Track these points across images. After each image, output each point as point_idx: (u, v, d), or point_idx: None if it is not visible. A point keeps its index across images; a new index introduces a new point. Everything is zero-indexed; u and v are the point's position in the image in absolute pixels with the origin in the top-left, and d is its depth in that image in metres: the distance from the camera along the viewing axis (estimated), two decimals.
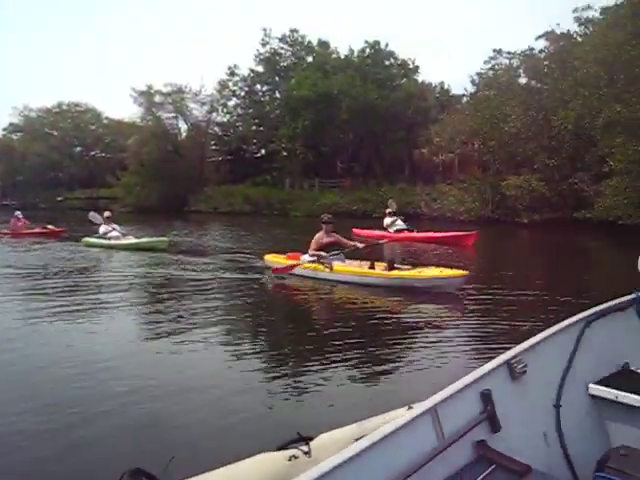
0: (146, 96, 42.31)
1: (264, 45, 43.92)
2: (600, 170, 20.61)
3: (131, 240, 15.02)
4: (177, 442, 3.32)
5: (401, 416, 1.73)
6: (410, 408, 2.50)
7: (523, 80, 27.69)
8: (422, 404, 1.76)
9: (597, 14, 24.50)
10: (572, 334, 2.45)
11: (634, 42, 17.64)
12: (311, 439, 2.46)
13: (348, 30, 79.52)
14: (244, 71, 44.45)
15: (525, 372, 2.10)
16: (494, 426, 1.91)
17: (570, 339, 2.43)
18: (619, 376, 2.50)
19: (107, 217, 15.99)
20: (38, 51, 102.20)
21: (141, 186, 40.88)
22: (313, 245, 9.68)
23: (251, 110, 44.63)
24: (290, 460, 2.32)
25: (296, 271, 9.56)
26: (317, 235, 9.75)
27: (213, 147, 45.83)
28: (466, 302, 7.64)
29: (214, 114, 44.72)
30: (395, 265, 8.61)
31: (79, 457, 3.21)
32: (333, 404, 4.00)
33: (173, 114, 43.37)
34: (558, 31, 26.42)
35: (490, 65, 30.44)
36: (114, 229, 15.57)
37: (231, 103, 45.17)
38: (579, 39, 25.62)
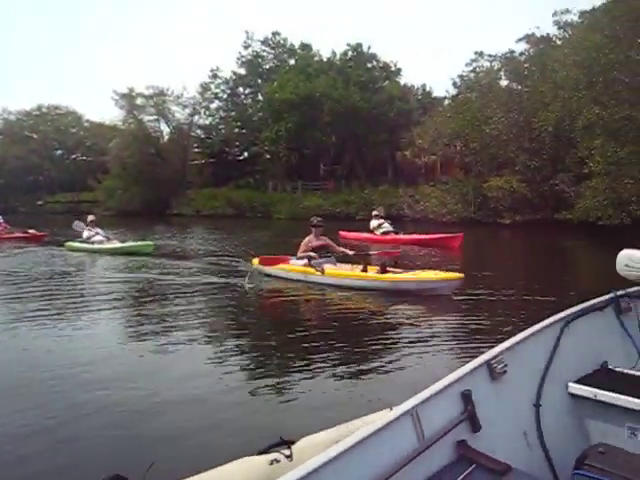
0: (128, 99, 42.00)
1: (246, 48, 44.02)
2: (580, 171, 20.87)
3: (115, 244, 14.79)
4: (157, 447, 3.29)
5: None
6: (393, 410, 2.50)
7: (504, 82, 27.97)
8: (402, 405, 1.76)
9: (576, 18, 24.91)
10: (552, 334, 2.47)
11: (612, 45, 17.88)
12: (293, 443, 2.44)
13: (330, 33, 79.74)
14: (226, 74, 44.50)
15: (505, 372, 2.11)
16: (474, 426, 1.92)
17: (550, 339, 2.45)
18: (598, 375, 2.52)
19: (91, 221, 15.68)
20: (17, 53, 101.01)
21: (123, 189, 40.61)
22: (302, 248, 9.51)
23: (234, 113, 44.58)
24: (272, 464, 2.30)
25: (286, 275, 9.46)
26: (306, 238, 9.61)
27: (195, 150, 45.60)
28: (451, 303, 7.68)
29: (196, 117, 44.69)
30: (388, 268, 8.43)
31: (56, 463, 3.15)
32: (316, 406, 3.99)
33: (155, 117, 43.18)
34: (538, 34, 26.83)
35: (471, 67, 30.69)
36: (98, 233, 15.31)
37: (213, 106, 45.14)
38: (558, 42, 25.98)
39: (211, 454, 2.85)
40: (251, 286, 9.00)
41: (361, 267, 8.71)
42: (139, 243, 14.71)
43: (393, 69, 40.08)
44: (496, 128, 24.33)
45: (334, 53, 40.57)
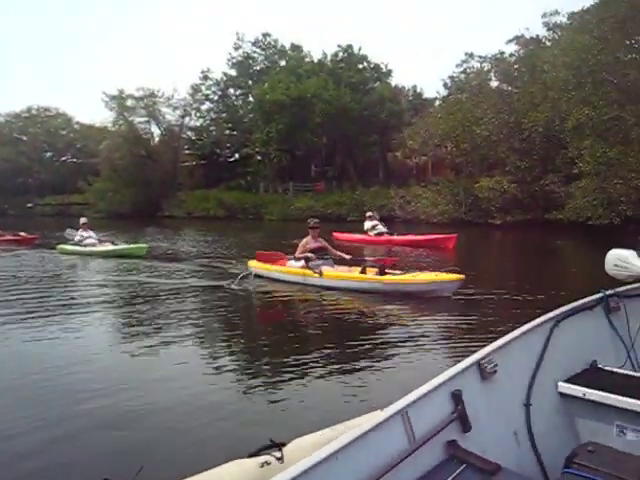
0: (118, 100, 41.80)
1: (237, 49, 44.04)
2: (570, 172, 21.04)
3: (108, 247, 14.58)
4: (147, 450, 3.27)
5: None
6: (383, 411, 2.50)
7: (494, 83, 28.15)
8: (392, 406, 1.76)
9: (565, 19, 25.10)
10: (541, 333, 2.48)
11: (600, 47, 18.02)
12: (284, 445, 2.43)
13: (320, 34, 79.92)
14: (217, 75, 44.46)
15: (495, 372, 2.12)
16: (465, 426, 1.92)
17: (539, 338, 2.46)
18: (587, 374, 2.53)
19: (83, 224, 15.43)
20: (5, 55, 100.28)
21: (113, 192, 40.43)
22: (300, 249, 9.35)
23: (224, 114, 44.55)
24: (262, 467, 2.29)
25: (282, 277, 9.36)
26: (304, 240, 9.46)
27: (186, 151, 45.47)
28: (443, 303, 7.64)
29: (187, 118, 44.54)
30: (387, 270, 8.28)
31: (42, 466, 3.11)
32: (308, 408, 3.98)
33: (145, 119, 43.01)
34: (527, 35, 27.00)
35: (462, 68, 30.85)
36: (90, 236, 15.11)
37: (204, 107, 45.12)
38: (548, 43, 26.15)
39: (201, 457, 2.83)
40: (239, 287, 8.93)
41: (360, 269, 8.57)
42: (132, 246, 14.54)
43: (384, 70, 40.22)
44: (486, 129, 24.44)
45: (325, 54, 40.81)
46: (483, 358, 2.11)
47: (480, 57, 29.55)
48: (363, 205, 29.73)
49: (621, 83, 18.23)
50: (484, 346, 2.21)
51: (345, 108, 34.95)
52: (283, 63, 42.99)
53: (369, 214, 17.66)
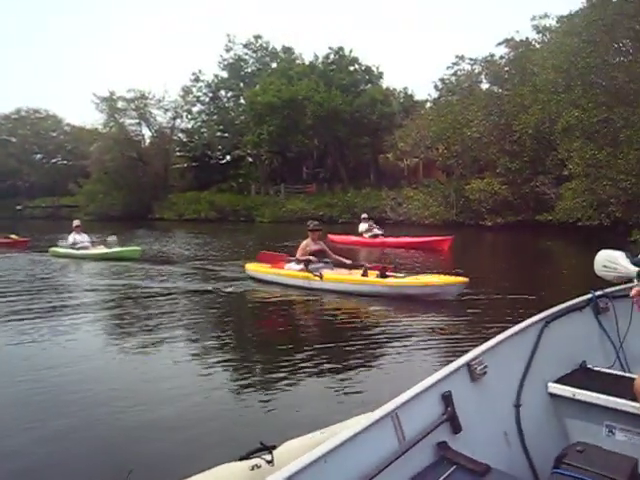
0: (108, 102, 41.66)
1: (228, 51, 44.04)
2: (560, 173, 21.19)
3: (102, 250, 14.34)
4: (136, 453, 3.24)
5: None
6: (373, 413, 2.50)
7: (485, 86, 28.36)
8: (382, 407, 1.76)
9: (554, 22, 25.26)
10: (531, 334, 2.49)
11: (589, 50, 18.13)
12: (274, 448, 2.43)
13: (311, 36, 79.94)
14: (209, 77, 44.39)
15: (485, 373, 2.12)
16: (455, 427, 1.92)
17: (529, 339, 2.47)
18: (577, 374, 2.54)
19: (76, 226, 15.13)
20: None
21: (104, 194, 40.27)
22: (300, 252, 9.24)
23: (216, 116, 44.47)
24: (253, 470, 2.28)
25: (282, 280, 9.28)
26: (304, 242, 9.36)
27: (178, 154, 45.38)
28: (435, 304, 7.62)
29: (178, 120, 44.42)
30: (388, 273, 8.12)
31: (30, 469, 3.09)
32: (300, 409, 3.98)
33: (136, 120, 42.88)
34: (517, 38, 27.16)
35: (453, 71, 31.01)
36: (83, 239, 14.85)
37: (195, 109, 45.01)
38: (537, 46, 26.30)
39: (192, 458, 2.82)
40: (231, 290, 8.92)
41: (361, 272, 8.38)
42: (126, 248, 14.27)
43: (375, 72, 40.26)
44: (477, 131, 24.58)
45: (316, 56, 40.76)
46: (473, 359, 2.11)
47: (471, 59, 29.78)
48: (354, 207, 29.82)
49: (609, 86, 18.36)
50: (474, 347, 2.22)
51: (336, 110, 34.96)
52: (274, 65, 43.02)
53: (364, 216, 17.73)
